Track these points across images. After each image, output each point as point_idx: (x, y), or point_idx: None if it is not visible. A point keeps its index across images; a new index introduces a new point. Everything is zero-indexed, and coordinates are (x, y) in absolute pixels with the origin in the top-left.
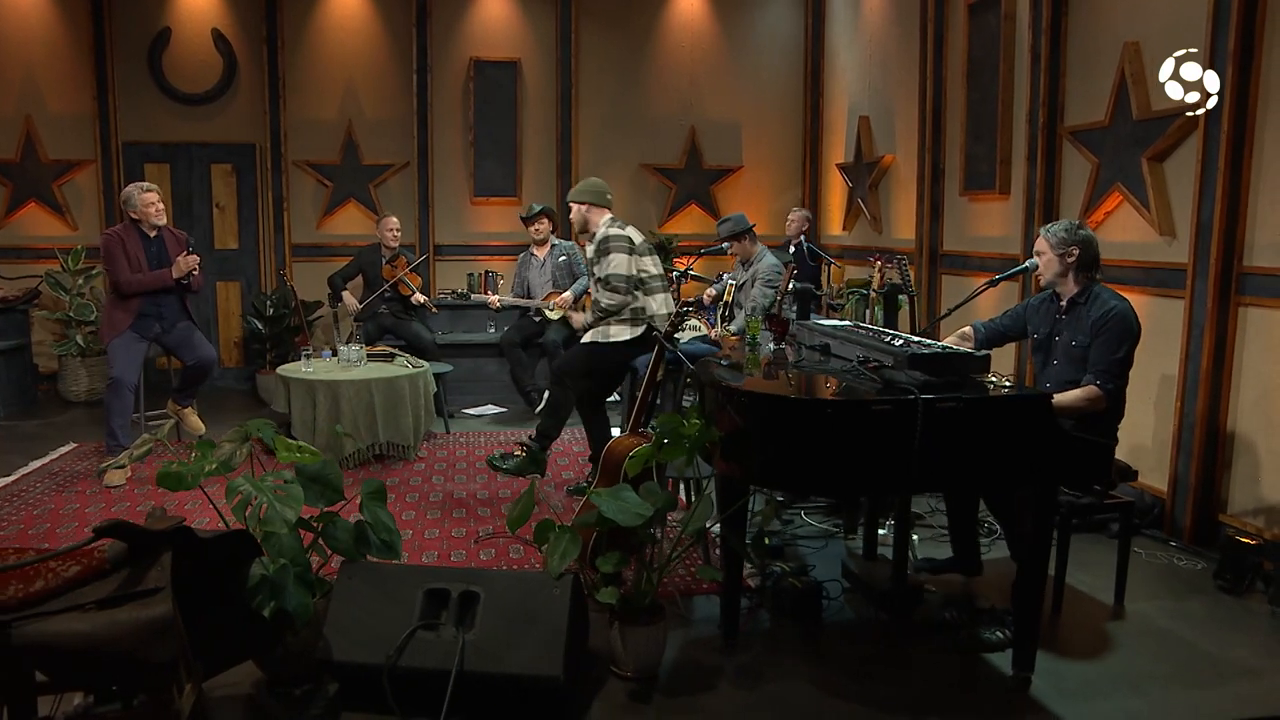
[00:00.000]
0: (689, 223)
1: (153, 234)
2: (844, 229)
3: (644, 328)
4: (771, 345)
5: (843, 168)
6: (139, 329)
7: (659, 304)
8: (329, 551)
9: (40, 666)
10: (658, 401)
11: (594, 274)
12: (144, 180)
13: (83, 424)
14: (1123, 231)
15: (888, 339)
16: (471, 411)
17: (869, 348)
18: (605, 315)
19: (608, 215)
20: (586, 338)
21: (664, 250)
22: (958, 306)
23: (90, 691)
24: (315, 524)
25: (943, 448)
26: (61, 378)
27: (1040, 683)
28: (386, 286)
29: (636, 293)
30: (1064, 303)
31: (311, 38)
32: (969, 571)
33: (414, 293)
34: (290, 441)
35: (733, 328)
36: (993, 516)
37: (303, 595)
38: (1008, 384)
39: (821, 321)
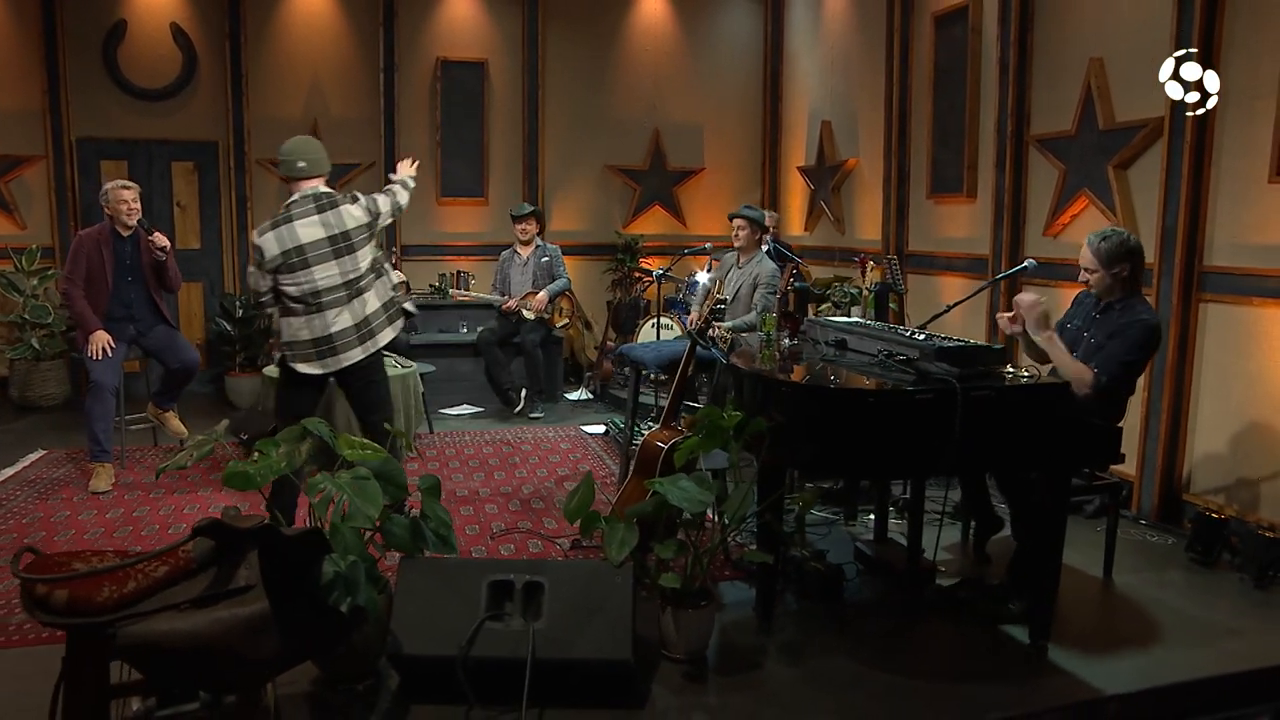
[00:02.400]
0: (653, 223)
1: (126, 234)
2: (805, 229)
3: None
4: (787, 341)
5: (804, 170)
6: (113, 332)
7: (301, 327)
8: (385, 549)
9: (141, 666)
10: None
11: None
12: (108, 179)
13: (43, 430)
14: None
15: (908, 334)
16: (450, 411)
17: (891, 342)
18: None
19: (310, 185)
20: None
21: (631, 250)
22: (956, 304)
23: (153, 694)
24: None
25: (977, 432)
26: (14, 382)
27: (1056, 648)
28: None
29: (273, 310)
30: (1103, 303)
31: (275, 34)
32: (996, 529)
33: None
34: (353, 439)
35: (728, 324)
36: (1003, 498)
37: (371, 591)
38: (1025, 374)
39: (834, 319)
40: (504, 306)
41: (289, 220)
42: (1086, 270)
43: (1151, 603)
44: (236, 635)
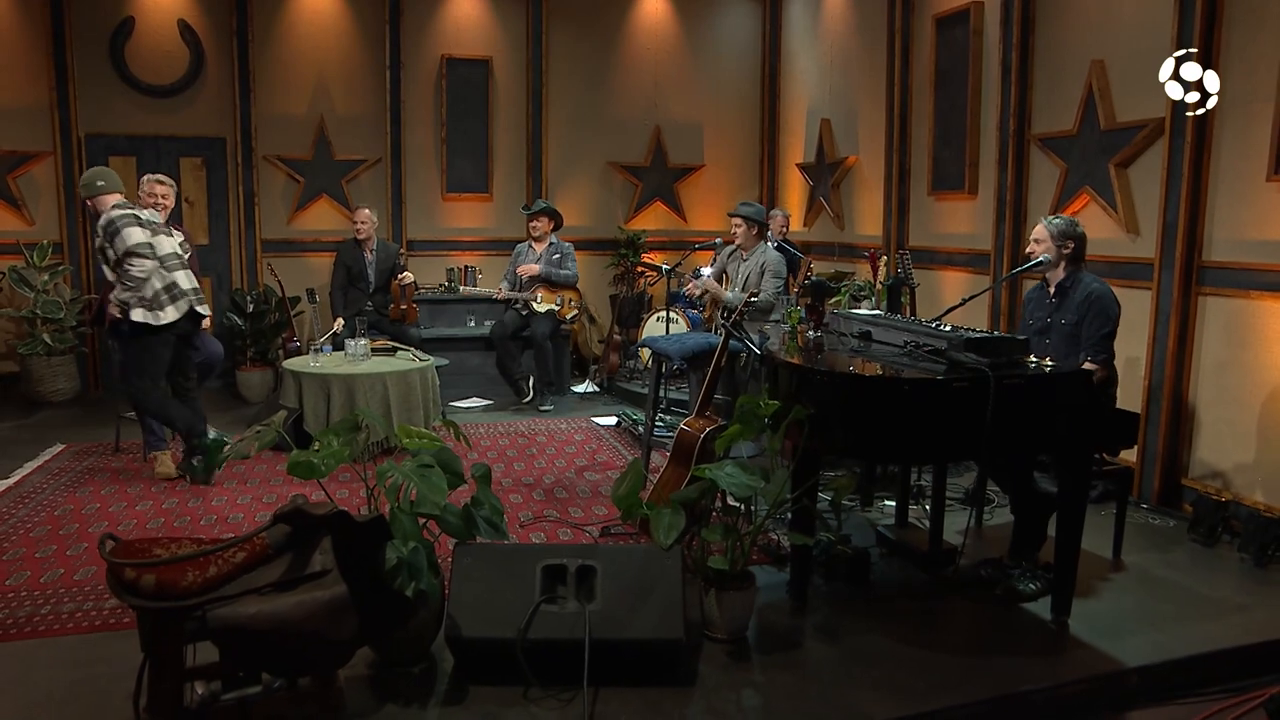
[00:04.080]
0: (654, 219)
1: None
2: (805, 225)
3: (186, 304)
4: (811, 333)
5: (803, 167)
6: None
7: (186, 279)
8: (438, 535)
9: (228, 648)
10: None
11: (108, 260)
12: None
13: (57, 425)
14: (1091, 229)
15: (933, 326)
16: (460, 404)
17: (917, 334)
18: (136, 287)
19: (117, 198)
20: (136, 316)
21: (633, 245)
22: (973, 297)
23: (217, 678)
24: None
25: (1007, 418)
26: (25, 378)
27: (1076, 624)
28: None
29: (162, 270)
30: (1053, 289)
31: (282, 32)
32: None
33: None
34: (411, 429)
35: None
36: (1001, 481)
37: (431, 576)
38: (1048, 364)
39: (856, 311)
40: (496, 294)
41: (137, 219)
42: (1036, 242)
43: (1160, 581)
44: (319, 617)
